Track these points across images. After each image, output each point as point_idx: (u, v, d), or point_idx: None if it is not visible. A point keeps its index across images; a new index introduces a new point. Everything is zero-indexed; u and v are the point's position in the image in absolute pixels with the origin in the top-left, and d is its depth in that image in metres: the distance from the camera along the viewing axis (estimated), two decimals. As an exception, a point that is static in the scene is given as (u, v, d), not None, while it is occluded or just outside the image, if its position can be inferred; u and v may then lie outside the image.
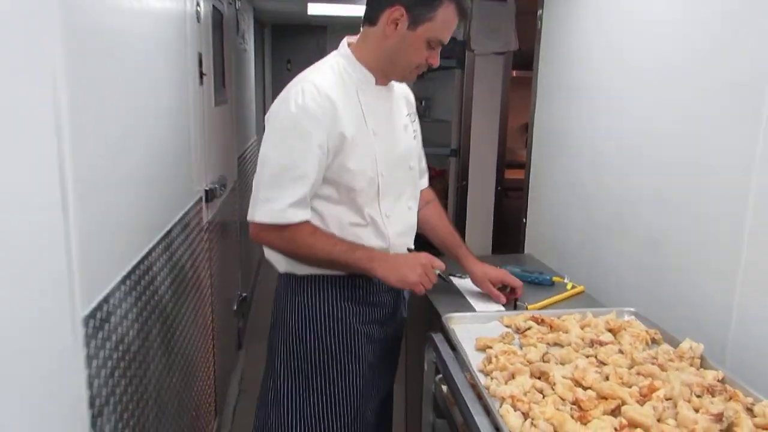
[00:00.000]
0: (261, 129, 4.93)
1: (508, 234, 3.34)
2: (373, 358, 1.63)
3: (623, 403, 1.05)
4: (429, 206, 1.81)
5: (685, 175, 1.46)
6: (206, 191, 2.19)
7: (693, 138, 1.43)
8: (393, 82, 1.59)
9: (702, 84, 1.40)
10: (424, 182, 1.81)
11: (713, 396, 1.09)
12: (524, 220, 2.49)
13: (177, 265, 1.74)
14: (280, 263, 1.57)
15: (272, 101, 1.49)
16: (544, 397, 1.09)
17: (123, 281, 1.26)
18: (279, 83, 6.18)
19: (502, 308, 1.67)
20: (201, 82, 2.10)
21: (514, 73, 3.36)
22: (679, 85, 1.48)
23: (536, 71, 2.34)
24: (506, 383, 1.13)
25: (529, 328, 1.39)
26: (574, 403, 1.06)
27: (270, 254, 1.57)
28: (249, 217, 1.46)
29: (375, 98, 1.52)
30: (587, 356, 1.27)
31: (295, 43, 5.63)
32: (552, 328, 1.39)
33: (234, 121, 3.05)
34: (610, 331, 1.37)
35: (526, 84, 2.56)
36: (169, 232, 1.64)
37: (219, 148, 2.57)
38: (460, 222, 3.32)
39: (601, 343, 1.30)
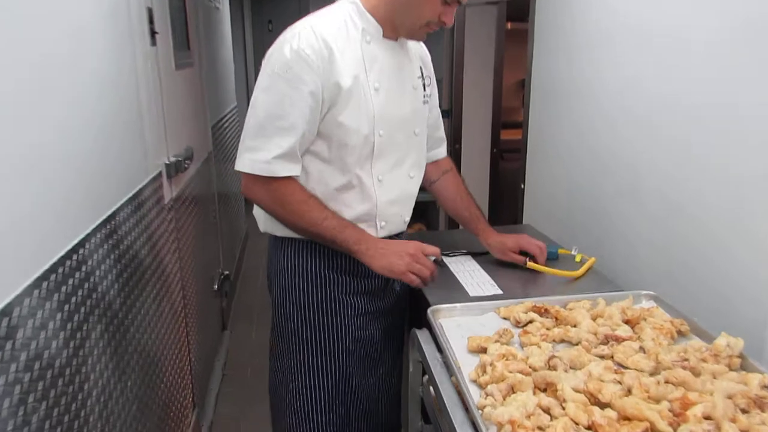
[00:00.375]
0: (243, 94, 4.61)
1: (505, 201, 3.10)
2: (364, 333, 1.46)
3: (652, 427, 0.82)
4: (446, 176, 1.63)
5: (714, 121, 1.21)
6: (167, 165, 1.94)
7: (727, 73, 1.17)
8: (408, 40, 1.42)
9: (737, 8, 1.14)
10: (442, 151, 1.65)
11: (762, 411, 0.86)
12: (522, 186, 2.24)
13: (127, 252, 1.50)
14: (260, 221, 1.46)
15: (255, 64, 1.30)
16: (552, 419, 0.86)
17: (36, 284, 1.02)
18: (261, 45, 5.86)
19: (500, 291, 1.44)
20: (153, 42, 1.83)
21: (509, 25, 3.06)
22: (710, 7, 1.22)
23: (533, 20, 2.06)
24: (504, 399, 0.90)
25: (530, 322, 1.16)
26: (589, 428, 0.84)
27: (255, 210, 1.46)
28: (236, 166, 1.33)
29: (381, 52, 1.35)
30: (601, 356, 1.04)
31: (276, 2, 5.28)
32: (558, 320, 1.15)
33: (204, 86, 2.77)
34: (627, 322, 1.13)
35: (522, 37, 2.29)
36: (112, 216, 1.40)
37: (184, 117, 2.30)
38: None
39: (618, 339, 1.07)
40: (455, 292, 1.43)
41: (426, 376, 1.25)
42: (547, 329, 1.12)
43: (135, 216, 1.57)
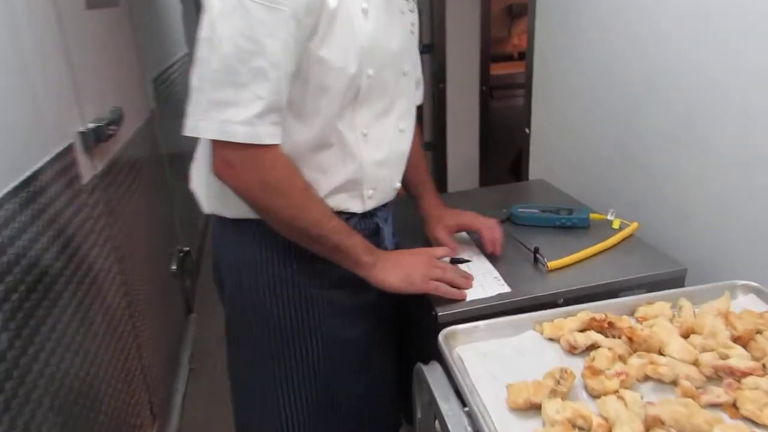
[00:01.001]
0: (192, 40, 4.03)
1: (500, 147, 2.69)
2: (348, 333, 1.10)
3: None
4: None
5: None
6: (83, 134, 1.48)
7: None
8: None
9: None
10: (419, 96, 1.21)
11: None
12: (527, 130, 1.82)
13: (15, 266, 1.07)
14: (203, 198, 1.06)
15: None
16: None
17: None
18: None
19: (507, 288, 1.04)
20: (40, -29, 1.34)
21: (494, -61, 2.57)
22: None
23: None
24: None
25: (593, 347, 0.77)
26: None
27: (197, 184, 1.07)
28: (189, 130, 0.88)
29: None
30: (716, 405, 0.67)
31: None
32: (632, 341, 0.77)
33: (138, 31, 2.26)
34: (736, 340, 0.76)
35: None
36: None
37: (107, 70, 1.82)
38: (439, 138, 2.64)
39: (734, 373, 0.69)
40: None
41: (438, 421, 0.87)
42: (624, 359, 0.74)
43: (26, 212, 1.13)
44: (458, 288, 1.02)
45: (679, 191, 1.18)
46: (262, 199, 0.91)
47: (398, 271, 0.99)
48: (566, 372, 0.70)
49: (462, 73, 2.56)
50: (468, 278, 1.06)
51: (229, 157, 0.87)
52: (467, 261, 1.13)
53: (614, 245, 1.18)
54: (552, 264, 1.09)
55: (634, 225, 1.23)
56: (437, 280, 1.00)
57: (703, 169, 1.10)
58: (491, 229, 1.15)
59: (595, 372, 0.70)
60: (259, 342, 1.05)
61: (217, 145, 0.87)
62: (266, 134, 0.86)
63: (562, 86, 1.56)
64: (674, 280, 1.07)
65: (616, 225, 1.25)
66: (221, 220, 1.05)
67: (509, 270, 1.10)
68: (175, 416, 2.02)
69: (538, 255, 1.12)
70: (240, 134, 0.84)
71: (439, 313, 0.99)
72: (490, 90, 2.74)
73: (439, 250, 1.07)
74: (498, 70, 2.80)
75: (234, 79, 0.83)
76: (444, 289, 1.00)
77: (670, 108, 1.16)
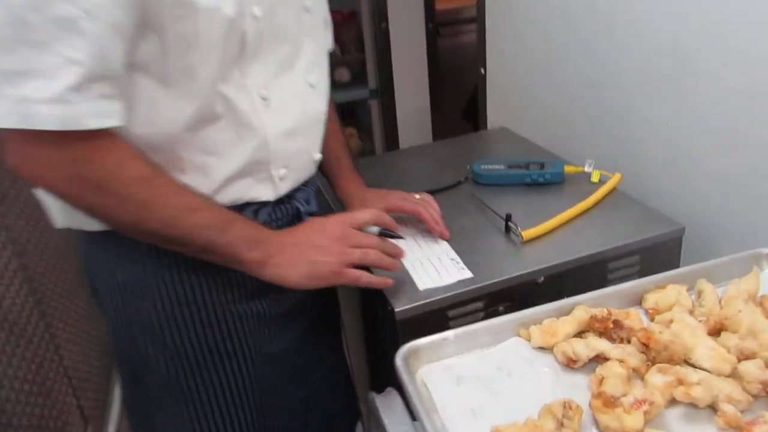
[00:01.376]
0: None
1: (448, 89, 2.46)
2: (275, 346, 0.86)
3: None
4: None
5: None
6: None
7: None
8: None
9: None
10: (329, 40, 0.91)
11: None
12: (482, 70, 1.59)
13: None
14: (54, 210, 0.77)
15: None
16: None
17: None
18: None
19: (468, 273, 0.82)
20: None
21: None
22: None
23: None
24: None
25: (602, 358, 0.58)
26: None
27: (45, 194, 0.75)
28: None
29: None
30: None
31: None
32: (647, 346, 0.58)
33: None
34: (781, 337, 0.57)
35: None
36: None
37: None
38: (386, 85, 2.39)
39: (789, 389, 0.52)
40: (406, 287, 0.82)
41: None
42: (637, 372, 0.55)
43: None
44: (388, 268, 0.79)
45: (668, 134, 0.99)
46: (78, 197, 0.64)
47: (300, 263, 0.74)
48: (571, 408, 0.50)
49: (405, 9, 2.28)
50: (396, 254, 0.80)
51: (25, 149, 0.60)
52: (400, 237, 0.85)
53: (596, 203, 0.99)
54: (527, 233, 0.89)
55: (617, 177, 1.03)
56: (358, 265, 0.75)
57: (698, 107, 0.91)
58: (428, 208, 0.92)
59: (608, 402, 0.51)
60: (162, 381, 0.81)
61: (8, 135, 0.59)
62: (90, 114, 0.58)
63: (520, 19, 1.33)
64: (670, 242, 0.90)
65: (595, 178, 1.06)
66: (86, 235, 0.77)
67: (474, 244, 0.90)
68: (113, 415, 1.79)
69: (510, 223, 0.92)
70: (46, 118, 0.56)
71: (396, 309, 0.79)
72: (436, 27, 2.48)
73: (361, 215, 0.80)
74: (442, 4, 2.54)
75: (29, 37, 0.55)
76: (366, 279, 0.76)
77: (654, 37, 0.95)
